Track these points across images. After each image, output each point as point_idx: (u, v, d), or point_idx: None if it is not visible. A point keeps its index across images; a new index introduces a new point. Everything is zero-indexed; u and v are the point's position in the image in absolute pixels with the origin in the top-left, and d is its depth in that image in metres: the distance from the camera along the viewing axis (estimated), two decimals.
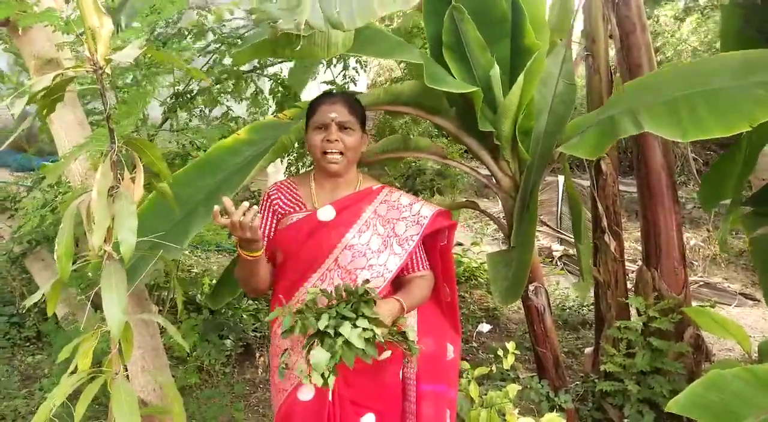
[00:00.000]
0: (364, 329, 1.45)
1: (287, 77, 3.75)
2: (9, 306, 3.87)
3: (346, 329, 1.43)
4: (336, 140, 1.67)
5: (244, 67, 3.08)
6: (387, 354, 1.69)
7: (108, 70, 1.22)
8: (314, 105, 1.73)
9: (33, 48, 2.07)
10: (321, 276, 1.68)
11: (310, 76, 3.81)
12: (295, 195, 1.78)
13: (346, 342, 1.42)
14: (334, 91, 1.97)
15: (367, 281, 1.60)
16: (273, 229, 1.77)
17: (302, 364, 1.50)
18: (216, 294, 2.67)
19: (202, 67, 2.89)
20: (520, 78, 2.42)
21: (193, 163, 2.33)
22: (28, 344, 3.72)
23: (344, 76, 4.03)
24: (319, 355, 1.41)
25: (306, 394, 1.69)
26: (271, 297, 1.84)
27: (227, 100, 3.22)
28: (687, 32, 9.22)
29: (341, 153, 1.68)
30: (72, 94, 2.14)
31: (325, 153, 1.68)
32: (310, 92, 3.75)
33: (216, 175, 2.24)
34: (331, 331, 1.44)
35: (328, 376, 1.42)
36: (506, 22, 2.55)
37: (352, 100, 1.75)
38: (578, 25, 3.30)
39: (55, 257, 1.24)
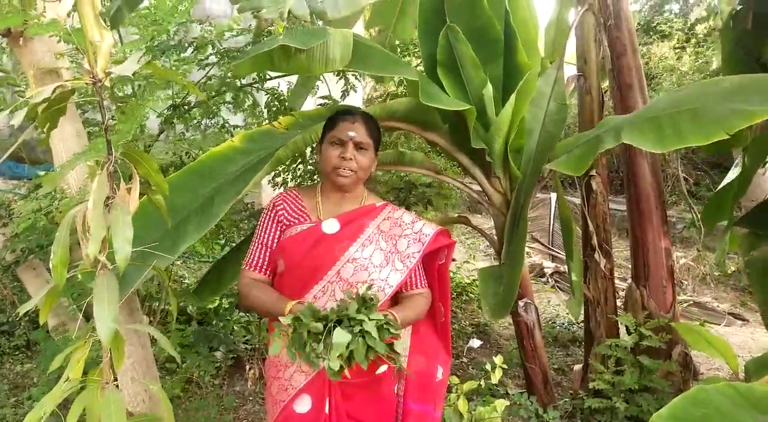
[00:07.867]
0: (378, 321, 1.44)
1: (290, 93, 3.80)
2: None
3: (362, 317, 1.41)
4: (351, 159, 1.69)
5: (243, 81, 3.11)
6: (384, 368, 1.70)
7: (107, 83, 1.24)
8: (334, 119, 1.75)
9: (33, 58, 2.09)
10: (322, 288, 1.68)
11: (309, 93, 3.85)
12: (300, 206, 1.80)
13: (362, 334, 1.40)
14: (354, 109, 1.99)
15: (369, 286, 1.59)
16: (276, 240, 1.79)
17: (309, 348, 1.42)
18: (199, 292, 2.64)
19: (200, 79, 2.91)
20: (513, 97, 2.47)
21: (186, 169, 2.30)
22: (17, 353, 3.71)
23: (344, 91, 4.08)
24: (340, 336, 1.38)
25: (302, 406, 1.69)
26: None
27: (225, 112, 3.23)
28: (687, 62, 9.35)
29: (353, 171, 1.71)
30: (70, 105, 2.16)
31: (337, 168, 1.71)
32: (306, 104, 3.80)
33: (209, 184, 2.23)
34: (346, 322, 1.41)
35: (341, 365, 1.38)
36: (499, 42, 2.60)
37: (370, 122, 1.77)
38: (570, 47, 3.36)
39: (51, 265, 1.25)
